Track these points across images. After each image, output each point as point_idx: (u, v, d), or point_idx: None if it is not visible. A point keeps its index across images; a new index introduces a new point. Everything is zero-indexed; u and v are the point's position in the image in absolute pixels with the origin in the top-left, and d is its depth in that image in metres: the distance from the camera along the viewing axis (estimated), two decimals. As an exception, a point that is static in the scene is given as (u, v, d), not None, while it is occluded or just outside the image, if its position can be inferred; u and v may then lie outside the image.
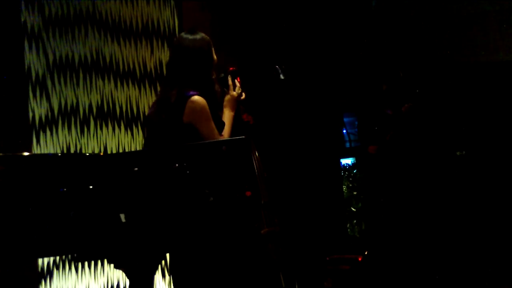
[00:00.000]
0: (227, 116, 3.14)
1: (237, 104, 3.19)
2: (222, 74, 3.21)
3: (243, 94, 3.23)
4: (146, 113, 4.59)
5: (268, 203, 3.30)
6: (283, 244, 3.40)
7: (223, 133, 3.07)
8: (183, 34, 3.19)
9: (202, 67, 3.09)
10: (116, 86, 4.67)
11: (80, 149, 4.53)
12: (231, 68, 3.28)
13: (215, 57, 3.16)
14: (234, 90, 3.18)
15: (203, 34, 3.16)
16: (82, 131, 4.56)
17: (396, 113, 4.82)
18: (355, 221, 6.18)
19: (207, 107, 2.99)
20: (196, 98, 2.98)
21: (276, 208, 3.43)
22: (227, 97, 3.17)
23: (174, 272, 3.10)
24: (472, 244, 4.93)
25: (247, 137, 2.76)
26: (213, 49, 3.15)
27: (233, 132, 3.12)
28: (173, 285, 3.12)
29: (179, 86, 3.04)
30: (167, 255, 3.31)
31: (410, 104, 4.76)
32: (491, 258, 4.89)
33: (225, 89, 3.19)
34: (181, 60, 3.10)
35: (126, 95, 4.69)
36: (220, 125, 3.08)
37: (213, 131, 2.99)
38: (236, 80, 3.22)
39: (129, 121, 4.67)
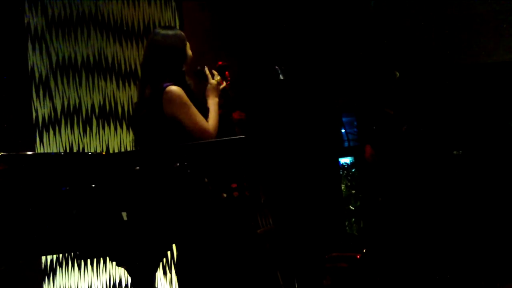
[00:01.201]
0: (211, 103, 3.14)
1: (219, 91, 3.18)
2: (199, 67, 3.22)
3: (224, 82, 3.23)
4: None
5: (265, 202, 3.34)
6: (282, 242, 3.43)
7: (209, 121, 3.06)
8: (156, 30, 3.20)
9: (173, 61, 3.08)
10: (118, 86, 4.69)
11: (83, 149, 4.55)
12: (219, 63, 3.30)
13: (189, 52, 3.16)
14: (213, 79, 3.19)
15: (176, 30, 3.17)
16: (84, 131, 4.58)
17: (396, 113, 4.83)
18: (353, 220, 6.18)
19: (183, 94, 2.99)
20: (171, 88, 2.98)
21: (273, 207, 3.46)
22: (208, 87, 3.18)
23: (177, 270, 3.14)
24: (470, 243, 4.94)
25: (245, 137, 2.80)
26: (187, 44, 3.15)
27: (227, 131, 3.14)
28: (178, 284, 3.16)
29: (152, 81, 3.04)
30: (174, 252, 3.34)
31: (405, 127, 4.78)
32: (489, 256, 4.90)
33: (203, 80, 3.20)
34: (153, 56, 3.09)
35: (128, 95, 4.70)
36: (204, 112, 3.08)
37: (195, 117, 2.99)
38: (213, 71, 3.23)
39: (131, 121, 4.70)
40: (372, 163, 4.85)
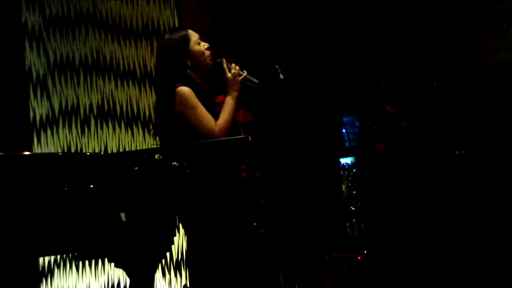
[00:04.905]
0: (227, 99, 3.13)
1: (238, 84, 3.15)
2: (219, 60, 3.21)
3: (244, 71, 3.20)
4: (147, 113, 4.67)
5: (266, 203, 3.32)
6: (282, 243, 3.42)
7: (218, 120, 3.07)
8: (164, 34, 3.28)
9: (177, 61, 3.12)
10: (116, 85, 4.68)
11: (81, 149, 4.55)
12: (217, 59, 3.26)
13: (195, 48, 3.15)
14: (230, 72, 3.17)
15: (182, 31, 3.19)
16: (82, 131, 4.57)
17: (398, 111, 4.81)
18: (354, 220, 6.17)
19: (191, 94, 3.03)
20: (180, 88, 3.04)
21: (274, 207, 3.45)
22: (227, 82, 3.17)
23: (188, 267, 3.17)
24: (472, 244, 4.93)
25: (246, 137, 2.79)
26: (191, 40, 3.15)
27: (231, 132, 3.13)
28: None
29: (163, 82, 3.11)
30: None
31: (406, 123, 4.77)
32: (490, 258, 4.89)
33: (222, 73, 3.18)
34: (160, 59, 3.17)
35: (127, 94, 4.69)
36: (213, 113, 3.10)
37: (201, 118, 3.02)
38: (230, 65, 3.19)
39: (129, 120, 4.68)
40: (384, 152, 4.81)
